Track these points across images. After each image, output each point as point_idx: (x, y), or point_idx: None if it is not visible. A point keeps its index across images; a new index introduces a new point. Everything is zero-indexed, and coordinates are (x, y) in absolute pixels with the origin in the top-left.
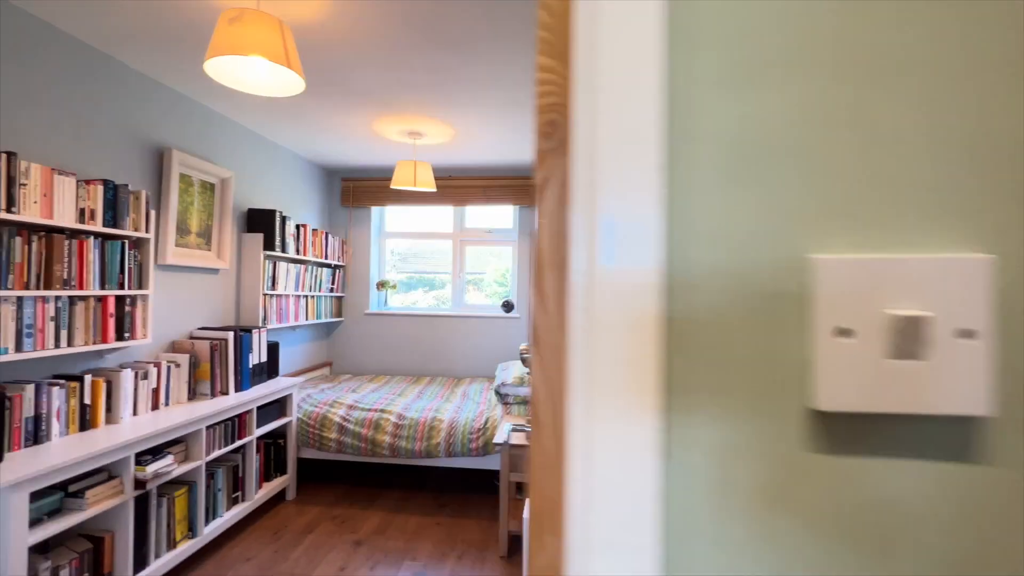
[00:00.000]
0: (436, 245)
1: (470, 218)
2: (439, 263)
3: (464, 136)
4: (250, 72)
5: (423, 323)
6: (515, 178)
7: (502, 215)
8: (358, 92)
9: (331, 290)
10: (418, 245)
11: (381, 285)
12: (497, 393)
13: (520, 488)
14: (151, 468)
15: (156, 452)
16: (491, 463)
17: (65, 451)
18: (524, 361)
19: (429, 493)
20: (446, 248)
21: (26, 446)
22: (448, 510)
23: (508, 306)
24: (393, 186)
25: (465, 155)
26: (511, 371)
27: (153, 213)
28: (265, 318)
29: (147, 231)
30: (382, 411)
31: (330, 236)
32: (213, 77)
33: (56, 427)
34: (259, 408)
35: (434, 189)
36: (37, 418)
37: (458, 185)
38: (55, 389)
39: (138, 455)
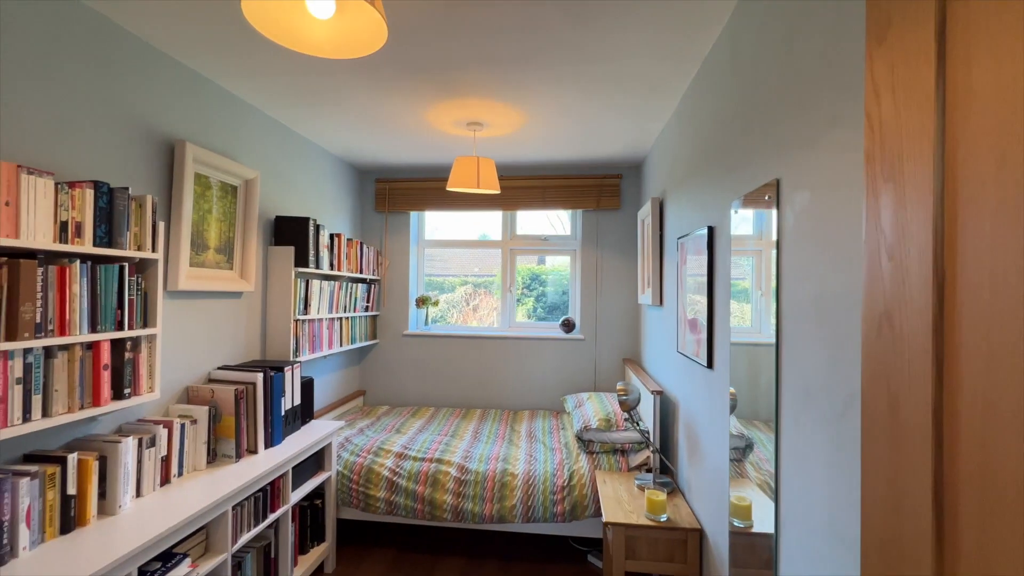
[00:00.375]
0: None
1: (494, 223)
2: (450, 266)
3: (533, 125)
4: (307, 19)
5: (470, 345)
6: (582, 177)
7: (546, 220)
8: (415, 68)
9: (366, 309)
10: (431, 250)
11: (421, 302)
12: (579, 439)
13: None
14: None
15: (166, 556)
16: (579, 528)
17: (35, 573)
18: (623, 404)
19: (498, 561)
20: (462, 253)
21: None
22: None
23: (568, 325)
24: (450, 188)
25: (527, 150)
26: (588, 409)
27: (162, 225)
28: (297, 349)
29: (154, 249)
30: (438, 460)
31: (364, 246)
32: (254, 24)
33: (25, 536)
34: (293, 468)
35: (498, 191)
36: None
37: (513, 186)
38: (23, 481)
39: (143, 565)
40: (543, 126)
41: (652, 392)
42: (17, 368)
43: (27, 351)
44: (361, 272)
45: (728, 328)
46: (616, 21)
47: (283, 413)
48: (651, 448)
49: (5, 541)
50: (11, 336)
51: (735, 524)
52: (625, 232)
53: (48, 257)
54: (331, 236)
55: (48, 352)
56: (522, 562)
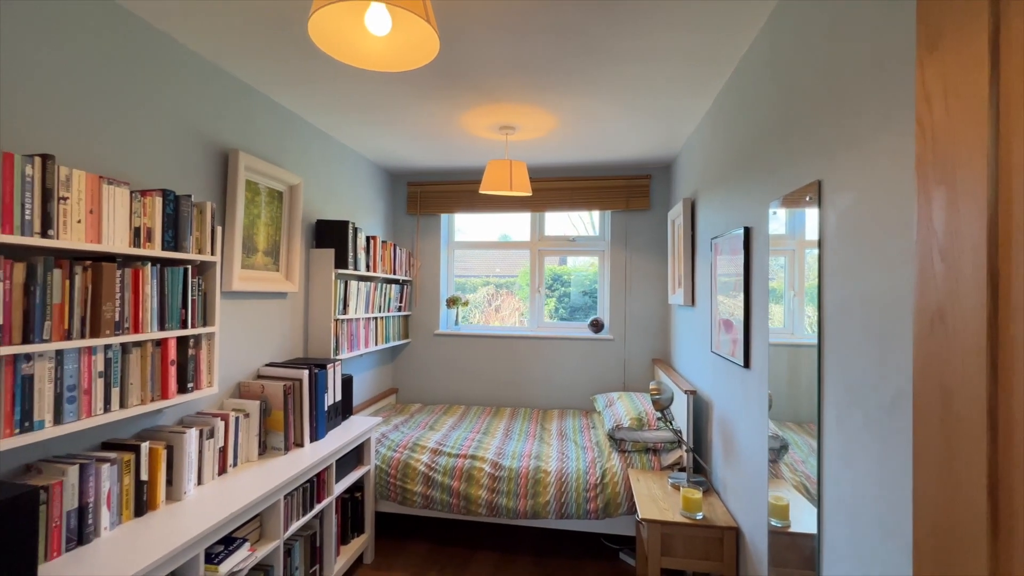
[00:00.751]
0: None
1: (516, 225)
2: (472, 267)
3: (564, 128)
4: (365, 36)
5: (500, 344)
6: (611, 178)
7: (573, 220)
8: (453, 74)
9: (399, 309)
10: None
11: (452, 302)
12: (611, 438)
13: None
14: (225, 567)
15: (227, 541)
16: (608, 524)
17: (117, 552)
18: (656, 404)
19: (531, 556)
20: (485, 254)
21: (68, 550)
22: None
23: (597, 325)
24: (483, 191)
25: (557, 152)
26: (619, 408)
27: (219, 230)
28: (337, 347)
29: (212, 252)
30: (472, 457)
31: (397, 248)
32: (317, 43)
33: (106, 517)
34: (337, 461)
35: (529, 193)
36: (82, 509)
37: (543, 188)
38: (105, 467)
39: (209, 547)
40: (574, 128)
41: (685, 392)
42: (99, 363)
43: (107, 347)
44: (394, 273)
45: (766, 328)
46: (650, 23)
47: (326, 408)
48: (685, 447)
49: (90, 521)
50: (95, 333)
51: (773, 524)
52: (654, 233)
53: (125, 260)
54: (367, 238)
55: (124, 348)
56: (555, 558)
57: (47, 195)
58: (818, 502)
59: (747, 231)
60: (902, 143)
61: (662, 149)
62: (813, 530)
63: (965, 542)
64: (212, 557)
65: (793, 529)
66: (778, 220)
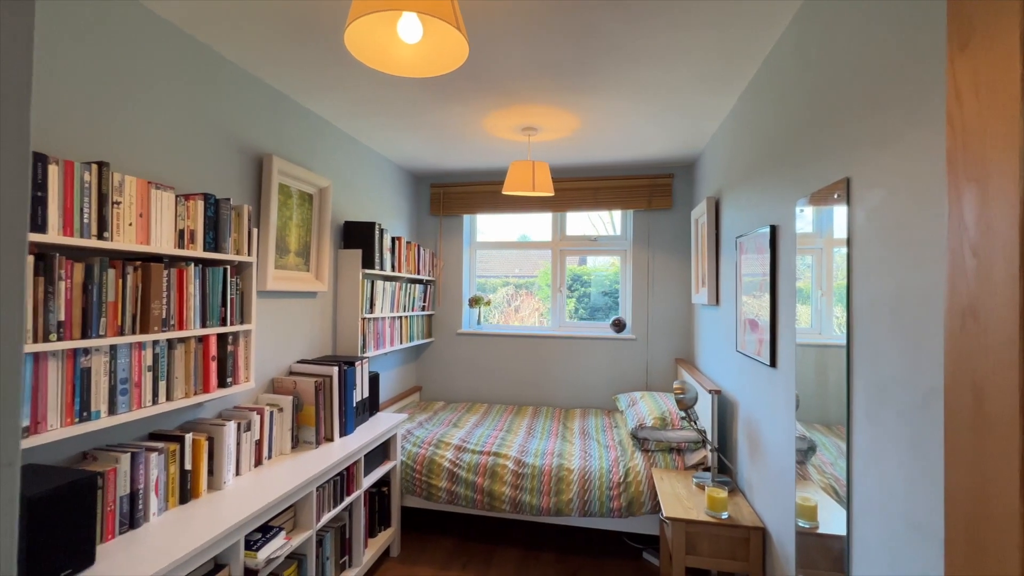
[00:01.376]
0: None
1: (536, 225)
2: (492, 268)
3: (586, 128)
4: (397, 43)
5: (522, 344)
6: (633, 178)
7: (600, 222)
8: (477, 78)
9: (422, 308)
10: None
11: (474, 302)
12: (634, 437)
13: None
14: (263, 554)
15: (264, 529)
16: (631, 523)
17: (166, 536)
18: (680, 403)
19: (554, 553)
20: (504, 254)
21: (121, 532)
22: None
23: (619, 325)
24: (506, 192)
25: (580, 152)
26: (642, 408)
27: (255, 231)
28: (364, 345)
29: (249, 253)
30: (496, 454)
31: (421, 249)
32: (352, 52)
33: (154, 503)
34: (365, 456)
35: (552, 193)
36: (133, 495)
37: (565, 188)
38: (153, 456)
39: (248, 534)
40: (597, 128)
41: (710, 391)
42: (148, 357)
43: (155, 343)
44: (418, 273)
45: (793, 327)
46: (673, 22)
47: (354, 405)
48: (709, 447)
49: (140, 507)
50: (144, 329)
51: (800, 524)
52: (677, 232)
53: (171, 261)
54: (392, 239)
55: (170, 344)
56: (578, 556)
57: (103, 200)
58: (847, 501)
59: (773, 229)
60: (932, 139)
61: (685, 148)
62: (842, 532)
63: (998, 540)
64: (251, 544)
65: (822, 530)
66: (805, 219)
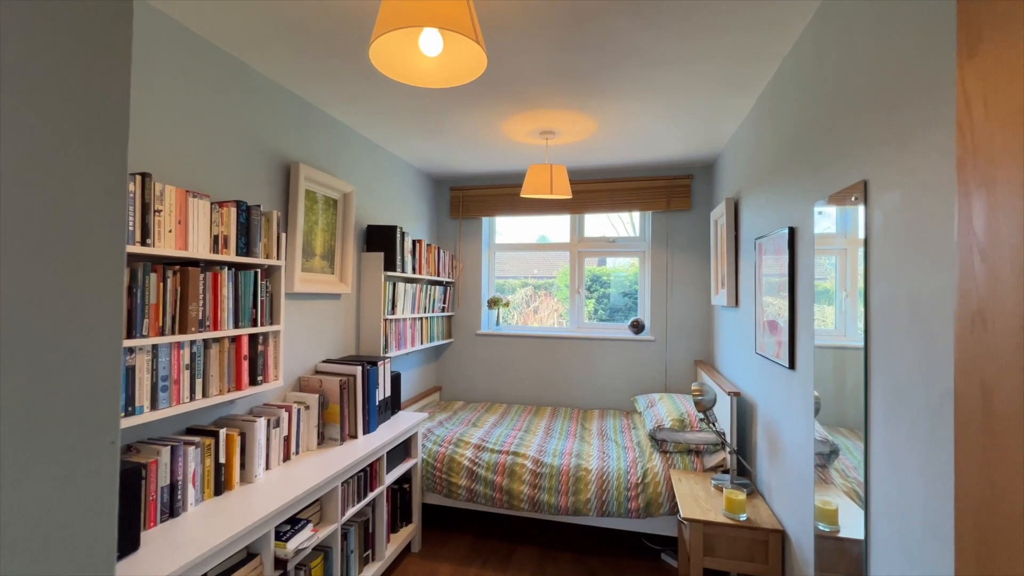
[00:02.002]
0: (514, 252)
1: (554, 226)
2: (511, 269)
3: (604, 131)
4: (418, 57)
5: (540, 345)
6: (652, 179)
7: (619, 223)
8: (495, 85)
9: (442, 309)
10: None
11: (493, 303)
12: (652, 438)
13: None
14: (291, 544)
15: (292, 521)
16: (649, 523)
17: (203, 525)
18: (698, 405)
19: (572, 553)
20: (523, 256)
21: (162, 520)
22: None
23: (638, 326)
24: (524, 195)
25: (598, 155)
26: (660, 409)
27: (284, 236)
28: (386, 345)
29: (278, 257)
30: (515, 453)
31: (441, 251)
32: (376, 66)
33: (192, 494)
34: (387, 453)
35: (570, 196)
36: (172, 486)
37: (583, 190)
38: (191, 449)
39: (278, 525)
40: (614, 131)
41: (728, 393)
42: (186, 356)
43: (192, 342)
44: (438, 275)
45: (812, 329)
46: (691, 25)
47: (377, 403)
48: (728, 449)
49: (179, 497)
50: (182, 330)
51: (820, 528)
52: (696, 233)
53: (206, 265)
54: (413, 242)
55: (206, 344)
56: (596, 556)
57: (145, 208)
58: (865, 502)
59: (792, 231)
60: (948, 141)
61: (704, 149)
62: (862, 535)
63: (1007, 541)
64: (280, 535)
65: (842, 534)
66: (828, 219)
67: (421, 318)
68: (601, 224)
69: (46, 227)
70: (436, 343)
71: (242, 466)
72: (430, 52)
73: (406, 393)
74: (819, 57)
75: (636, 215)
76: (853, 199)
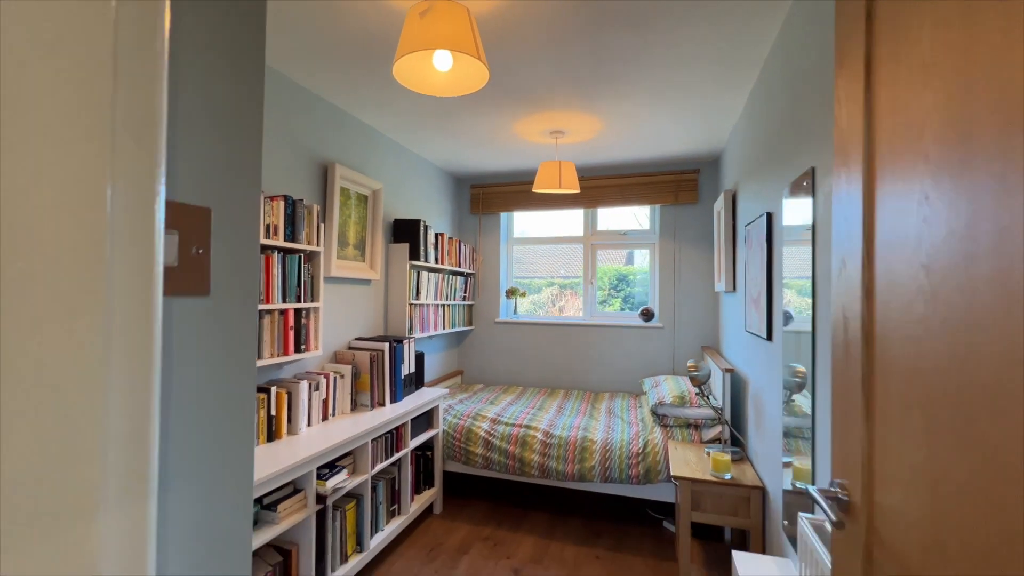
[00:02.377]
0: (535, 248)
1: (569, 220)
2: (537, 268)
3: (610, 130)
4: (432, 72)
5: (555, 332)
6: (659, 174)
7: (630, 216)
8: (509, 91)
9: (463, 298)
10: (520, 250)
11: (510, 293)
12: (654, 413)
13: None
14: (330, 483)
15: (330, 466)
16: (651, 492)
17: (261, 462)
18: (693, 380)
19: (580, 519)
20: (550, 255)
21: None
22: (605, 541)
23: (648, 315)
24: (536, 190)
25: (606, 152)
26: (664, 388)
27: (322, 227)
28: (411, 327)
29: (318, 244)
30: (527, 427)
31: (462, 244)
32: (398, 79)
33: None
34: (411, 420)
35: (578, 190)
36: None
37: (594, 186)
38: None
39: (319, 467)
40: (619, 130)
41: (724, 370)
42: None
43: None
44: (459, 266)
45: (782, 302)
46: (679, 35)
47: (403, 377)
48: (722, 420)
49: None
50: None
51: (798, 485)
52: (703, 225)
53: (261, 249)
54: (436, 235)
55: (260, 315)
56: (602, 521)
57: None
58: (811, 446)
59: (769, 216)
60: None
61: (708, 144)
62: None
63: (854, 450)
64: (321, 475)
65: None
66: (806, 207)
67: (443, 305)
68: (617, 218)
69: (236, 222)
70: (457, 329)
71: (288, 420)
72: (442, 68)
73: (430, 374)
74: (785, 58)
75: (647, 210)
76: (804, 185)
